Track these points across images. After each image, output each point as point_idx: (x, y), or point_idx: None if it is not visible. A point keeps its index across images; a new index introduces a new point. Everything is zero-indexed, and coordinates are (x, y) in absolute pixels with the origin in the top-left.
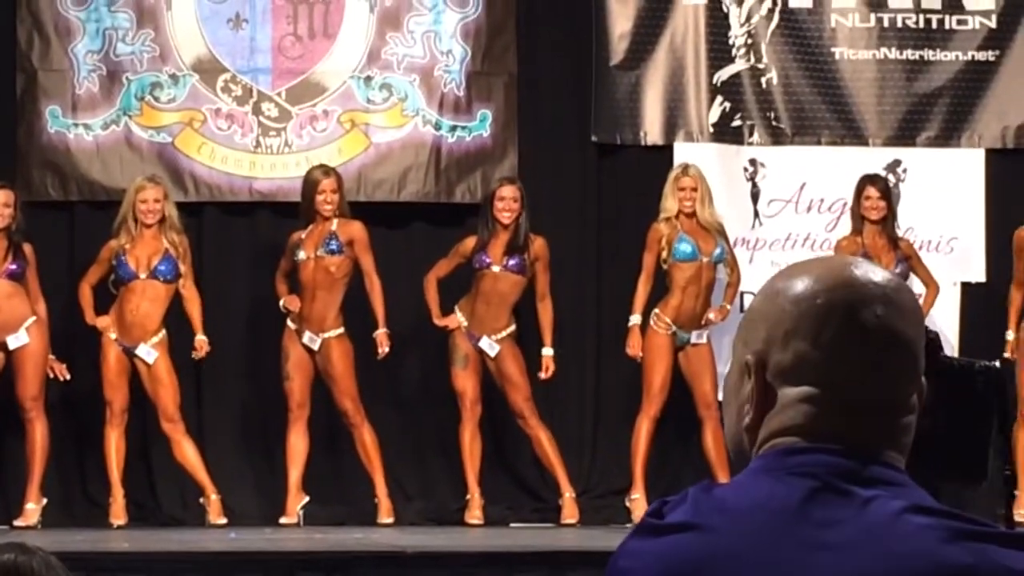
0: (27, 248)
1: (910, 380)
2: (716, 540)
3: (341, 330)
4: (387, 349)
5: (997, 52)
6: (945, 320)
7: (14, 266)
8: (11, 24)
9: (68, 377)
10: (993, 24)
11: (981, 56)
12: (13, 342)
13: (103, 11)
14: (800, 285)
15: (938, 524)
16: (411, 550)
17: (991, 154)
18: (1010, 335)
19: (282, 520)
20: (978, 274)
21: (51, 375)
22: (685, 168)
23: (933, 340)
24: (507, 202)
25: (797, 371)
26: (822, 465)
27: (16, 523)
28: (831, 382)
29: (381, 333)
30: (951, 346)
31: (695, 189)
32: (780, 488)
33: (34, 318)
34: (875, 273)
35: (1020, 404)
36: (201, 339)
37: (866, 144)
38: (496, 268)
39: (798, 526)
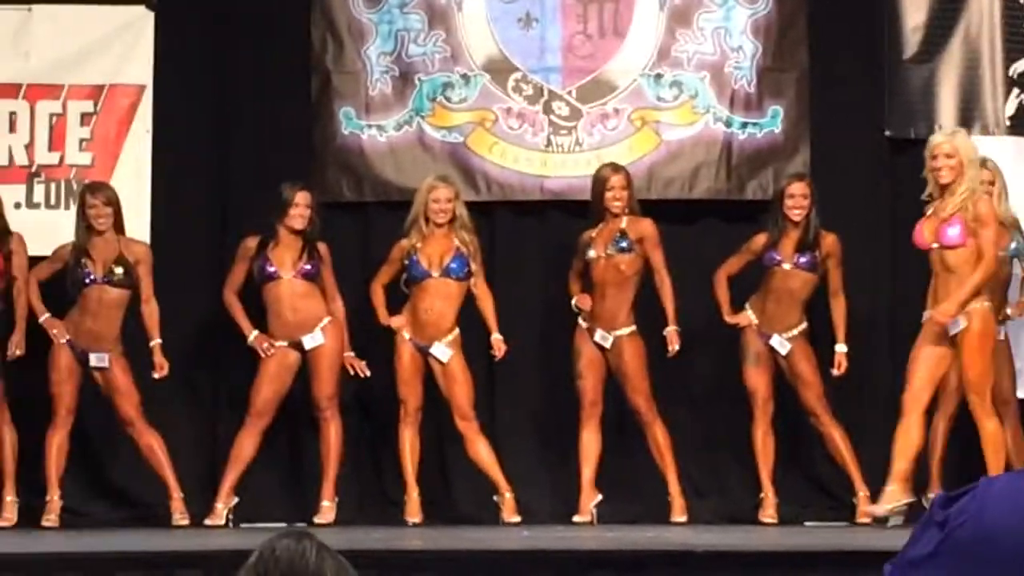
0: (322, 248)
1: None
2: (987, 522)
3: (633, 328)
4: (677, 347)
5: None
6: None
7: (309, 266)
8: (305, 27)
9: (368, 374)
10: None
11: None
12: (309, 342)
13: (395, 13)
14: None
15: None
16: (702, 549)
17: None
18: None
19: (575, 518)
20: None
21: (352, 373)
22: (983, 161)
23: None
24: (797, 199)
25: None
26: None
27: (315, 520)
28: None
29: (671, 331)
30: None
31: (992, 183)
32: None
33: (329, 318)
34: None
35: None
36: (497, 338)
37: None
38: (787, 265)
39: None
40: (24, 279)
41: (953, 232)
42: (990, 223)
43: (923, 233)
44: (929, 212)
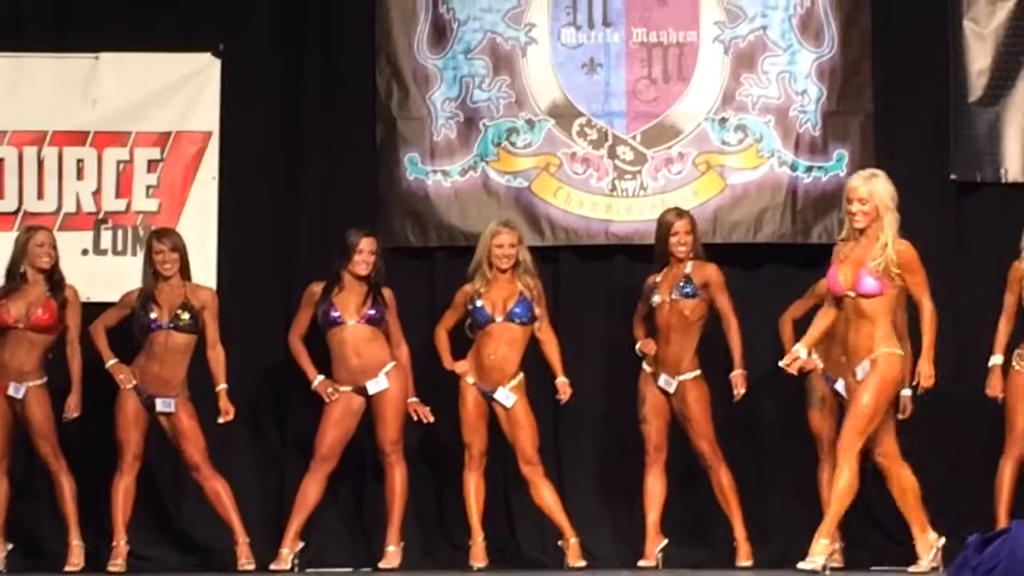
0: (387, 293)
1: None
2: (1018, 566)
3: (697, 372)
4: (743, 391)
5: None
6: None
7: (373, 311)
8: (371, 73)
9: (431, 420)
10: None
11: None
12: (372, 387)
13: (460, 59)
14: None
15: None
16: None
17: None
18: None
19: (640, 563)
20: None
21: (415, 419)
22: None
23: None
24: None
25: None
26: None
27: (380, 565)
28: None
29: (737, 374)
30: None
31: None
32: None
33: (393, 363)
34: None
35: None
36: (562, 381)
37: None
38: None
39: None
40: (77, 334)
41: (870, 282)
42: (918, 269)
43: (838, 279)
44: (842, 256)
